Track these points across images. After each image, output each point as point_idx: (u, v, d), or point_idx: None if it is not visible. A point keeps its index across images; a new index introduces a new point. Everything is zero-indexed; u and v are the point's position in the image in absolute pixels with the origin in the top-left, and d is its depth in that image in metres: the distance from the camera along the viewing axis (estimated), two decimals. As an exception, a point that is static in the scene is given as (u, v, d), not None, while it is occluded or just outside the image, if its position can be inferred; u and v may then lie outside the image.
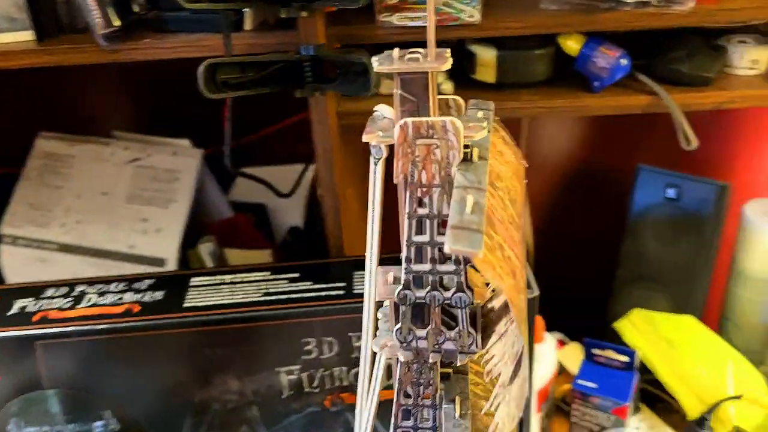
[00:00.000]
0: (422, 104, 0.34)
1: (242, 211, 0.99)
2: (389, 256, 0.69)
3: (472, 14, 0.63)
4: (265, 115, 0.91)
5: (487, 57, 0.70)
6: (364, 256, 0.72)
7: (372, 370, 0.45)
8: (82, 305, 0.67)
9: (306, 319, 0.65)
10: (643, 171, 0.93)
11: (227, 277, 0.70)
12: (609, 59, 0.67)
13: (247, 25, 0.63)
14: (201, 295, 0.67)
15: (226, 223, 0.94)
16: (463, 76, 0.72)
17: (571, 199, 1.02)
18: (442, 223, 0.35)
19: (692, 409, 0.84)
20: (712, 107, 0.67)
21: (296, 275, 0.69)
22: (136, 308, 0.66)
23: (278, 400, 0.69)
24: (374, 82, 0.55)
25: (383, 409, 0.43)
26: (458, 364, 0.38)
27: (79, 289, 0.69)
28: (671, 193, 0.92)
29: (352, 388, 0.69)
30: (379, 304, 0.40)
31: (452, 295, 0.36)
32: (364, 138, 0.34)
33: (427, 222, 0.35)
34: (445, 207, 0.34)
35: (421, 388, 0.40)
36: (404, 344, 0.38)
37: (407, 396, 0.40)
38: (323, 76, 0.62)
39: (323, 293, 0.67)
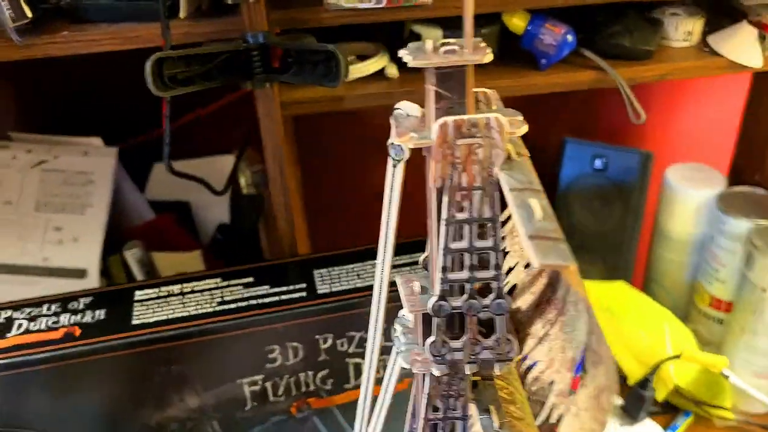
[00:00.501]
0: (459, 100, 0.31)
1: (162, 211, 0.92)
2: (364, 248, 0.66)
3: (424, -6, 0.60)
4: (180, 104, 0.84)
5: (432, 37, 0.67)
6: (321, 253, 0.69)
7: (369, 382, 0.42)
8: (12, 333, 0.59)
9: (268, 326, 0.62)
10: (569, 144, 0.95)
11: (175, 288, 0.64)
12: (555, 36, 0.66)
13: (182, 12, 0.57)
14: (149, 310, 0.62)
15: (149, 225, 0.87)
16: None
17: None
18: (479, 226, 0.33)
19: (634, 372, 0.87)
20: (655, 79, 0.68)
21: (250, 279, 0.65)
22: (77, 331, 0.60)
23: (241, 412, 0.64)
24: (344, 72, 0.52)
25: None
26: (498, 372, 0.36)
27: (3, 315, 0.62)
28: (598, 164, 0.94)
29: (318, 393, 0.66)
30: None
31: (491, 302, 0.34)
32: (397, 141, 0.31)
33: (466, 227, 0.33)
34: (486, 210, 0.32)
35: (451, 400, 0.38)
36: (438, 358, 0.35)
37: (435, 410, 0.38)
38: (271, 65, 0.58)
39: (284, 297, 0.63)
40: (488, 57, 0.30)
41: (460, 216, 0.32)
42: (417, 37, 0.68)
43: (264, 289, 0.64)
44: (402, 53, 0.31)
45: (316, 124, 0.86)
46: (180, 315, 0.61)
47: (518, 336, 0.36)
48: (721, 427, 0.91)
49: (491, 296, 0.34)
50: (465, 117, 0.30)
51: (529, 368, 0.35)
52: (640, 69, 0.68)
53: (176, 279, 0.66)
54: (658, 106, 0.98)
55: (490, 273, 0.34)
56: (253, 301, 0.63)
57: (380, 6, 0.61)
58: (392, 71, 0.68)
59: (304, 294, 0.63)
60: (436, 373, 0.36)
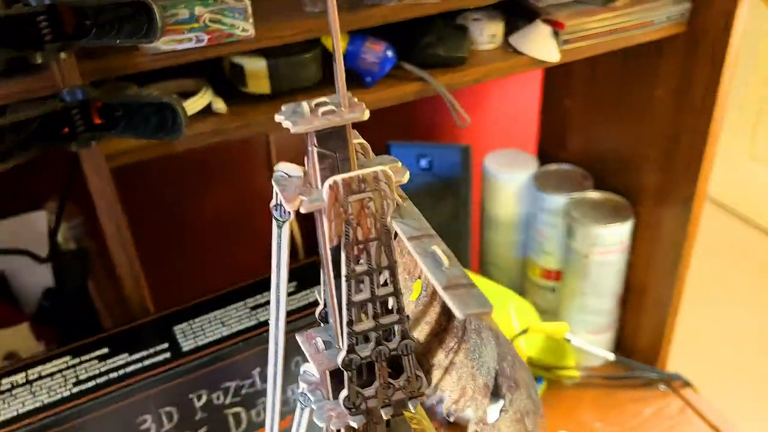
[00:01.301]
0: (342, 157, 0.31)
1: (-27, 286, 0.82)
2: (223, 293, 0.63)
3: (246, 28, 0.59)
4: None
5: (257, 68, 0.66)
6: (176, 307, 0.65)
7: None
8: None
9: (136, 397, 0.58)
10: (393, 147, 0.98)
11: (18, 378, 0.58)
12: (376, 53, 0.68)
13: (-20, 76, 0.51)
14: (-5, 409, 0.55)
15: (-38, 307, 0.78)
16: (231, 90, 0.68)
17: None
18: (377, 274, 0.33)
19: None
20: (473, 83, 0.72)
21: (105, 351, 0.60)
22: None
23: (120, 493, 0.60)
24: (184, 122, 0.49)
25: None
26: (413, 410, 0.36)
27: None
28: (423, 163, 0.98)
29: (198, 452, 0.62)
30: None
31: (398, 344, 0.35)
32: (289, 207, 0.30)
33: (366, 278, 0.33)
34: (383, 258, 0.32)
35: (371, 445, 0.38)
36: (353, 409, 0.35)
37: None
38: (93, 122, 0.54)
39: (147, 362, 0.59)
40: (366, 113, 0.30)
41: (359, 269, 0.32)
42: (239, 69, 0.67)
43: (123, 358, 0.59)
44: (279, 119, 0.30)
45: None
46: (31, 407, 0.55)
47: (423, 368, 0.36)
48: (570, 386, 0.99)
49: (396, 339, 0.35)
50: (353, 174, 0.30)
51: (441, 400, 0.36)
52: (458, 75, 0.71)
53: (17, 367, 0.59)
54: (469, 103, 1.04)
55: (394, 317, 0.34)
56: (114, 374, 0.58)
57: (201, 45, 0.58)
58: (220, 106, 0.66)
59: (168, 355, 0.60)
60: (355, 425, 0.35)
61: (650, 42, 0.78)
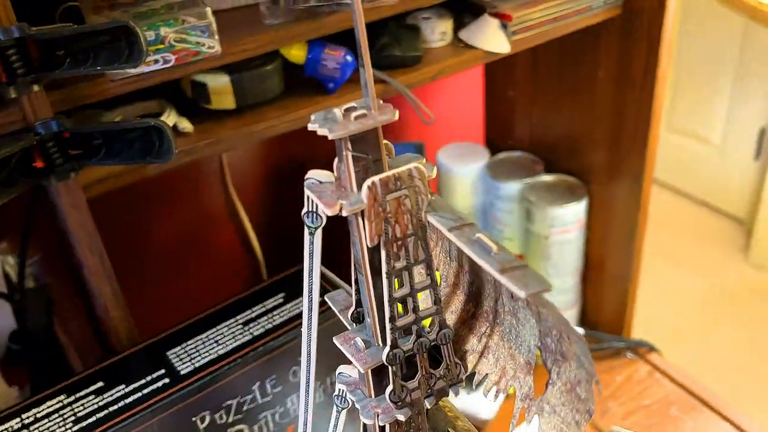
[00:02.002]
0: (374, 158, 0.32)
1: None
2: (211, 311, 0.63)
3: (212, 45, 0.59)
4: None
5: (220, 84, 0.66)
6: (166, 331, 0.64)
7: None
8: None
9: (141, 427, 0.57)
10: (349, 152, 0.99)
11: (13, 424, 0.56)
12: (337, 59, 0.69)
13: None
14: (-5, 460, 0.53)
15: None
16: (194, 109, 0.67)
17: (290, 194, 1.03)
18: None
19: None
20: (431, 80, 0.74)
21: (100, 384, 0.59)
22: None
23: None
24: (174, 143, 0.49)
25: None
26: (455, 397, 0.37)
27: None
28: (379, 164, 0.99)
29: (205, 475, 0.62)
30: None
31: (437, 334, 0.36)
32: (329, 211, 0.31)
33: (405, 274, 0.34)
34: (420, 252, 0.33)
35: (412, 436, 0.39)
36: (399, 403, 0.36)
37: (398, 451, 0.38)
38: (68, 153, 0.53)
39: (146, 390, 0.58)
40: (396, 114, 0.31)
41: (398, 265, 0.33)
42: (201, 86, 0.66)
43: (120, 389, 0.58)
44: (313, 127, 0.31)
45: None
46: (34, 452, 0.54)
47: (456, 355, 0.38)
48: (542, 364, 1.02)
49: (435, 329, 0.36)
50: (389, 174, 0.31)
51: (480, 383, 0.37)
52: (416, 74, 0.73)
53: (9, 413, 0.57)
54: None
55: (432, 309, 0.35)
56: (113, 407, 0.57)
57: (168, 66, 0.58)
58: (185, 125, 0.66)
59: (167, 380, 0.59)
60: (402, 418, 0.36)
61: (588, 27, 0.81)
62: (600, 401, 0.96)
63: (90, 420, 0.56)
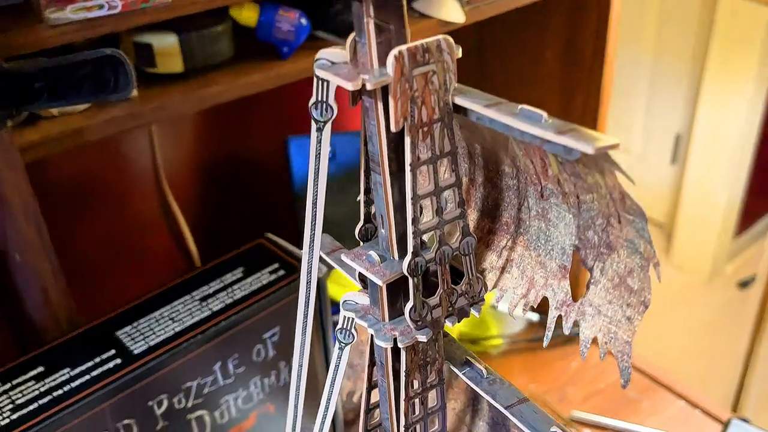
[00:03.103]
0: (398, 29, 0.28)
1: None
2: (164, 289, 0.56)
3: (163, -9, 0.54)
4: None
5: (167, 44, 0.61)
6: (110, 312, 0.57)
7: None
8: None
9: (88, 414, 0.50)
10: (293, 141, 0.94)
11: (-63, 417, 0.48)
12: (291, 21, 0.65)
13: None
14: None
15: None
16: (137, 74, 0.62)
17: (225, 192, 0.98)
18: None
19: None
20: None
21: (40, 369, 0.52)
22: None
23: None
24: (133, 75, 0.43)
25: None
26: (477, 316, 0.34)
27: None
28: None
29: (162, 467, 0.55)
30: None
31: (460, 243, 0.32)
32: (351, 87, 0.27)
33: (430, 168, 0.30)
34: (446, 143, 0.30)
35: (429, 368, 0.35)
36: (419, 322, 0.32)
37: (413, 385, 0.35)
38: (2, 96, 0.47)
39: (95, 372, 0.51)
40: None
41: (423, 156, 0.30)
42: (146, 48, 0.61)
43: (64, 373, 0.51)
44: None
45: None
46: (-36, 446, 0.46)
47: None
48: (497, 355, 1.00)
49: (457, 236, 0.32)
50: (417, 43, 0.28)
51: (501, 300, 0.34)
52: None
53: (-68, 406, 0.49)
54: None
55: (456, 212, 0.31)
56: (58, 392, 0.50)
57: (115, 12, 0.53)
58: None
59: (118, 361, 0.52)
60: (423, 338, 0.32)
61: (535, 3, 0.81)
62: (558, 387, 0.94)
63: (31, 407, 0.49)
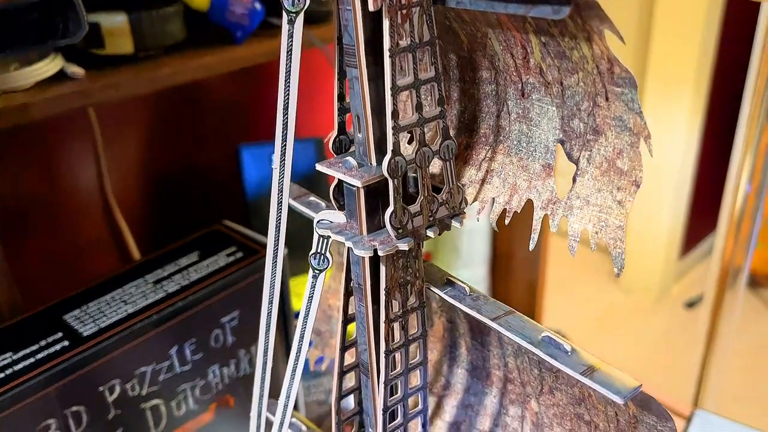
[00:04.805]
0: None
1: None
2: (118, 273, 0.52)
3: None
4: None
5: (116, 23, 0.59)
6: (57, 300, 0.54)
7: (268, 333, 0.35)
8: None
9: (34, 397, 0.46)
10: (245, 150, 0.92)
11: None
12: (244, 5, 0.64)
13: None
14: None
15: None
16: (84, 57, 0.60)
17: (174, 203, 0.94)
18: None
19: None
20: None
21: (-22, 354, 0.48)
22: None
23: None
24: (85, 15, 0.41)
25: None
26: (460, 227, 0.32)
27: None
28: (277, 161, 0.93)
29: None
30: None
31: (440, 146, 0.31)
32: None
33: (407, 58, 0.29)
34: (425, 32, 0.29)
35: (409, 287, 0.33)
36: (400, 230, 0.30)
37: (393, 306, 0.32)
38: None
39: (40, 355, 0.48)
40: None
41: (403, 43, 0.28)
42: (94, 27, 0.59)
43: (6, 357, 0.47)
44: None
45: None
46: None
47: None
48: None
49: (437, 140, 0.31)
50: None
51: (480, 212, 0.33)
52: (328, 28, 0.69)
53: None
54: (305, 91, 1.02)
55: (436, 110, 0.30)
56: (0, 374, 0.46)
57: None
58: (75, 69, 0.58)
59: (66, 344, 0.48)
60: (405, 247, 0.30)
61: None
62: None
63: (-33, 392, 0.44)
